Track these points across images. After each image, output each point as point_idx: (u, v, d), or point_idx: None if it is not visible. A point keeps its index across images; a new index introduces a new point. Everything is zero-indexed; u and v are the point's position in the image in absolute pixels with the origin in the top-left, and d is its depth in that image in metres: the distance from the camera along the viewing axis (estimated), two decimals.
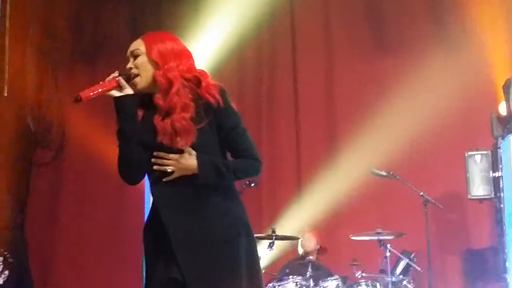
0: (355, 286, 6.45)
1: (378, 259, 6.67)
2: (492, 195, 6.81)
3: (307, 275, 6.49)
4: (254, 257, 3.30)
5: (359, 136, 7.53)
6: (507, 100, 6.76)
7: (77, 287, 7.92)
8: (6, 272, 6.95)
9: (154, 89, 3.26)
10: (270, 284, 6.48)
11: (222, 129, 3.27)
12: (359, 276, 6.47)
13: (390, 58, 7.90)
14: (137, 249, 7.38)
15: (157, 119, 3.22)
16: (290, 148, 8.06)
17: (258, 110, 8.17)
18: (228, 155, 3.35)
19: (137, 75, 3.26)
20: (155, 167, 3.22)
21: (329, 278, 6.51)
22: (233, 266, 3.19)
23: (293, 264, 7.14)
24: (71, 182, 8.11)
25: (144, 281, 3.35)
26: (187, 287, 3.15)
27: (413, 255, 6.69)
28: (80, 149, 8.06)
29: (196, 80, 3.26)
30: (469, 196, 6.92)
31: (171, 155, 3.20)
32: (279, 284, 6.48)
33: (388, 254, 6.49)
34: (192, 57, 3.36)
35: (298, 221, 7.48)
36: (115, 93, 3.23)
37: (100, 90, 3.20)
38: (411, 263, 6.62)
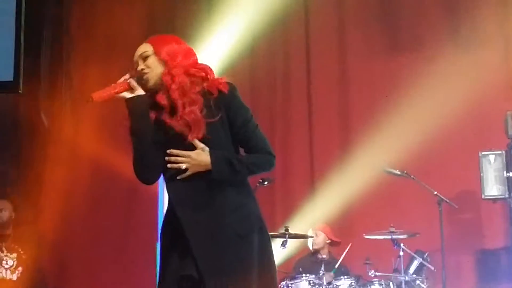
0: (368, 285, 6.45)
1: (391, 258, 6.67)
2: (506, 195, 6.78)
3: (320, 274, 6.49)
4: (268, 252, 3.32)
5: (373, 134, 7.51)
6: None
7: (90, 283, 7.93)
8: (20, 268, 6.98)
9: (163, 87, 3.32)
10: (283, 282, 6.49)
11: (233, 125, 3.30)
12: (372, 275, 6.47)
13: (404, 57, 7.87)
14: (149, 248, 7.46)
15: (166, 117, 3.28)
16: (303, 147, 8.04)
17: (271, 109, 8.16)
18: (242, 151, 3.37)
19: (148, 74, 3.33)
20: (169, 165, 3.25)
21: (342, 277, 6.51)
22: (248, 261, 3.21)
23: (306, 262, 7.15)
24: (84, 179, 8.12)
25: (157, 278, 3.37)
26: (204, 283, 3.17)
27: (426, 254, 6.68)
28: (93, 147, 8.08)
29: (202, 75, 3.32)
30: (483, 196, 6.89)
31: (184, 152, 3.23)
32: (292, 282, 6.49)
33: (401, 253, 6.49)
34: (196, 55, 3.42)
35: (311, 220, 7.47)
36: (127, 95, 3.30)
37: (112, 92, 3.29)
38: (424, 262, 6.61)
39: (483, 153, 6.88)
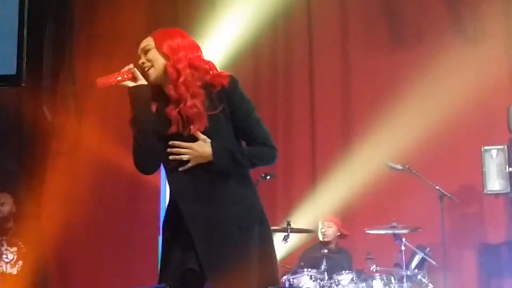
0: (369, 280, 6.46)
1: (393, 253, 6.67)
2: (508, 190, 6.77)
3: (322, 268, 6.50)
4: (269, 245, 3.33)
5: (374, 129, 7.50)
6: None
7: (91, 277, 7.95)
8: (20, 262, 6.99)
9: (166, 80, 3.34)
10: (285, 277, 6.50)
11: (235, 117, 3.32)
12: (374, 270, 6.47)
13: (407, 52, 7.86)
14: (151, 241, 7.47)
15: (169, 109, 3.30)
16: (305, 141, 8.04)
17: (273, 104, 8.15)
18: (244, 144, 3.38)
19: (150, 68, 3.35)
20: (170, 156, 3.27)
21: (343, 272, 6.52)
22: (249, 253, 3.22)
23: (308, 256, 7.15)
24: (86, 173, 8.13)
25: (159, 272, 3.37)
26: (205, 275, 3.18)
27: (428, 249, 6.68)
28: (96, 141, 8.08)
29: (204, 69, 3.34)
30: (485, 191, 6.88)
31: (186, 144, 3.26)
32: (293, 277, 6.50)
33: (403, 248, 6.49)
34: (200, 49, 3.44)
35: (313, 214, 7.48)
36: (130, 83, 3.33)
37: (116, 79, 3.33)
38: (426, 257, 6.61)
39: (485, 147, 6.87)
